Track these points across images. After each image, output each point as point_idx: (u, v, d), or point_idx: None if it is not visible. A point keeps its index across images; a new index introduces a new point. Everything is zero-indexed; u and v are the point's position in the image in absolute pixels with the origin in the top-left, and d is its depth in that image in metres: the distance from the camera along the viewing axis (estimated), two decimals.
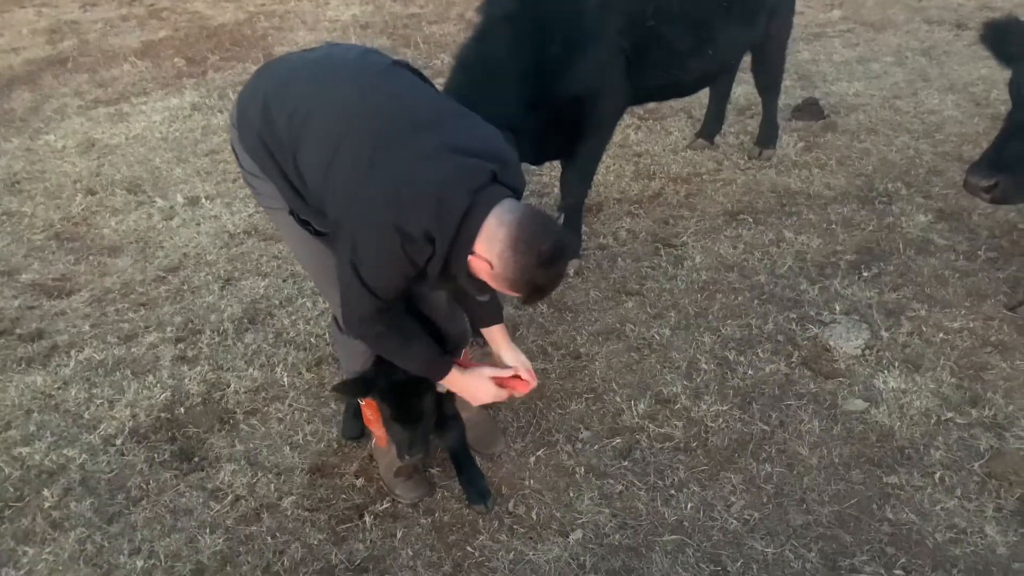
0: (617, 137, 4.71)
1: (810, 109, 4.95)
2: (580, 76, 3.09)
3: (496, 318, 2.37)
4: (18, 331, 3.47)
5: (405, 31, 6.95)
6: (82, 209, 4.44)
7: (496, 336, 2.39)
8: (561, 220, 4.01)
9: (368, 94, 2.03)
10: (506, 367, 2.35)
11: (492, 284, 2.00)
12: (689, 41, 3.42)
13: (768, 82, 4.40)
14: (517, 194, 2.03)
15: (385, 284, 2.01)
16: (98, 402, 3.01)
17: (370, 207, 1.90)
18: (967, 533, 2.33)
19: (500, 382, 2.30)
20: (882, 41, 6.10)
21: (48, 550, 2.44)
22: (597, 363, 3.09)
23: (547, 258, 1.90)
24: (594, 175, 3.70)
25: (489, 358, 2.48)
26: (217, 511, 2.56)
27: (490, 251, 1.90)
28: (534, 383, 2.34)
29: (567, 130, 3.21)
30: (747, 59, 4.25)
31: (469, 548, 2.40)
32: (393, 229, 1.86)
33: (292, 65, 2.21)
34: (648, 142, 4.81)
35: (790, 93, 5.14)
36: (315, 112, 2.01)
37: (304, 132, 2.02)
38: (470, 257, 1.93)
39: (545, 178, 4.46)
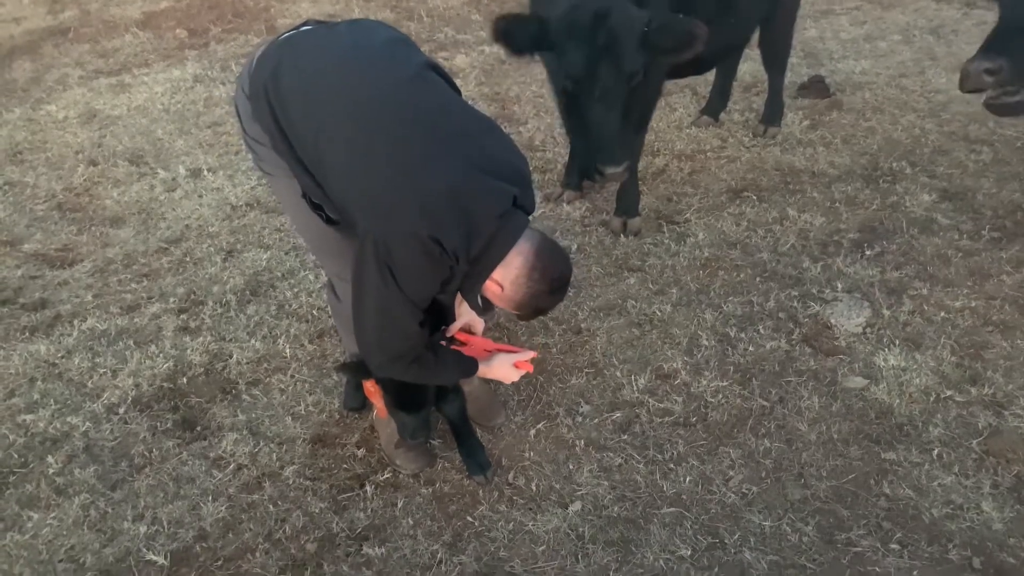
0: None
1: (816, 87, 4.92)
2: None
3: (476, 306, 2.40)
4: (21, 300, 3.48)
5: (408, 4, 6.88)
6: (84, 180, 4.44)
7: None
8: (565, 196, 4.02)
9: (401, 100, 1.99)
10: (513, 347, 2.45)
11: (497, 303, 2.11)
12: (714, 9, 3.40)
13: (775, 59, 4.37)
14: (529, 213, 2.08)
15: (422, 291, 2.00)
16: (101, 371, 3.03)
17: (406, 219, 1.88)
18: (963, 509, 2.35)
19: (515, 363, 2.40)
20: (890, 19, 6.05)
21: (53, 515, 2.47)
22: (598, 338, 3.10)
23: (557, 286, 2.07)
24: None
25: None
26: (219, 479, 2.58)
27: (504, 276, 2.01)
28: (472, 344, 2.42)
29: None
30: (754, 36, 4.22)
31: (469, 518, 2.43)
32: (429, 239, 1.87)
33: (317, 54, 2.10)
34: (653, 119, 4.76)
35: (796, 71, 5.10)
36: (342, 114, 1.97)
37: (330, 132, 1.97)
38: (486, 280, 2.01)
39: (549, 154, 4.45)
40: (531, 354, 2.41)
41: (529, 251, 1.99)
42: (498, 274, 2.01)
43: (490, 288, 2.05)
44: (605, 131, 2.88)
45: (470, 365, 2.30)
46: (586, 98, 2.84)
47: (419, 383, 2.30)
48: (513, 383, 2.87)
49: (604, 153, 2.90)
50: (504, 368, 2.38)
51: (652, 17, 2.75)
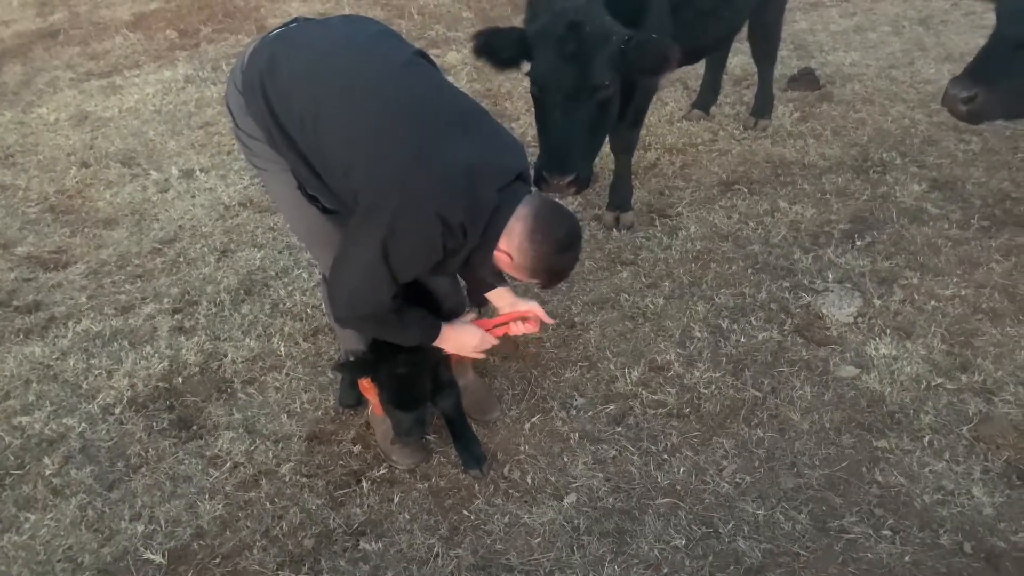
0: None
1: (806, 79, 4.93)
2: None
3: (501, 282, 2.46)
4: (15, 303, 3.48)
5: (399, 1, 6.88)
6: (76, 182, 4.43)
7: (504, 294, 2.49)
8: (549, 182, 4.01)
9: (402, 85, 2.05)
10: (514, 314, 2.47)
11: (514, 274, 2.14)
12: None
13: (765, 51, 4.38)
14: (528, 184, 2.14)
15: (411, 268, 2.07)
16: (96, 372, 3.03)
17: (417, 195, 1.94)
18: (954, 495, 2.37)
19: (484, 326, 2.41)
20: (879, 11, 6.07)
21: (50, 516, 2.48)
22: (591, 332, 3.11)
23: (563, 245, 2.08)
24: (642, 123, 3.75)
25: None
26: (216, 478, 2.59)
27: (509, 244, 2.04)
28: (550, 321, 2.47)
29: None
30: (744, 29, 4.23)
31: (465, 512, 2.44)
32: (436, 217, 1.93)
33: (313, 45, 2.15)
34: None
35: (786, 63, 5.12)
36: (345, 99, 2.02)
37: (333, 116, 2.01)
38: (495, 252, 2.06)
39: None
40: (526, 313, 2.43)
41: (528, 215, 2.03)
42: (503, 243, 2.05)
43: (501, 259, 2.09)
44: (560, 139, 2.92)
45: (433, 331, 2.29)
46: (547, 106, 2.89)
47: (380, 339, 2.32)
48: (508, 377, 2.91)
49: (554, 160, 2.92)
50: (460, 331, 2.34)
51: (632, 35, 2.78)
